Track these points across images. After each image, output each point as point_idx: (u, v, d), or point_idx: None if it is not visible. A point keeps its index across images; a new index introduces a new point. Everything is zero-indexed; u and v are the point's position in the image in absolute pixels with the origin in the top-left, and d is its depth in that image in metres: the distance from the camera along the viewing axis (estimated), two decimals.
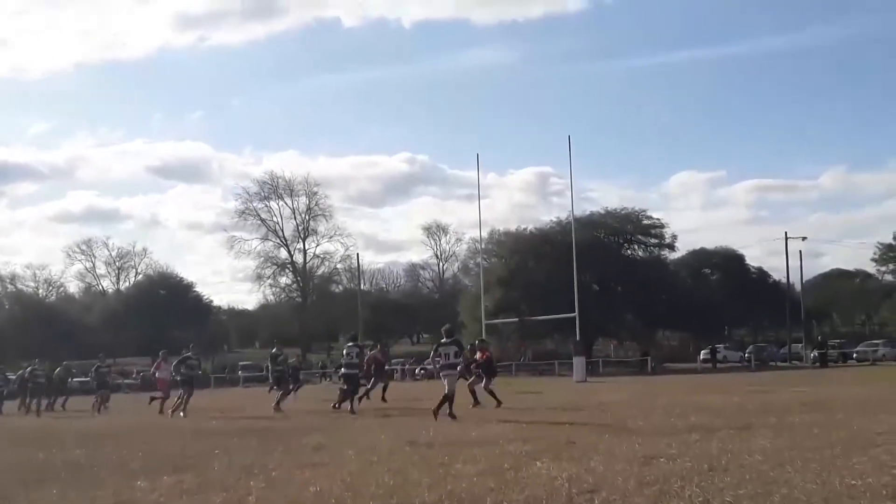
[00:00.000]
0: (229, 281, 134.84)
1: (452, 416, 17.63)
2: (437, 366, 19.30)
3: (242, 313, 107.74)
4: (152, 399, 26.69)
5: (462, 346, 19.96)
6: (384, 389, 25.77)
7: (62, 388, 32.70)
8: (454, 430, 14.89)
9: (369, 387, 24.78)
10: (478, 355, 23.41)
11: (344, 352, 23.32)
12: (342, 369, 23.33)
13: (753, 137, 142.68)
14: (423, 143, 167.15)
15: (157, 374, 27.30)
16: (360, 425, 17.36)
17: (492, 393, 21.97)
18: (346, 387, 22.58)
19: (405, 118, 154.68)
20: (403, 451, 12.13)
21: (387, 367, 28.32)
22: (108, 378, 31.24)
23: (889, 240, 51.85)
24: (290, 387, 26.38)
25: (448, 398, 17.93)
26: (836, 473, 8.44)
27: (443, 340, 18.98)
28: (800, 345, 69.48)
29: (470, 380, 22.44)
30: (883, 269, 58.70)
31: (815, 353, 58.08)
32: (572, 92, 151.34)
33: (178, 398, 24.13)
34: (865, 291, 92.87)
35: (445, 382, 18.28)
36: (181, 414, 23.36)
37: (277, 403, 24.03)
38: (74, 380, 36.00)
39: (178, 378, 24.70)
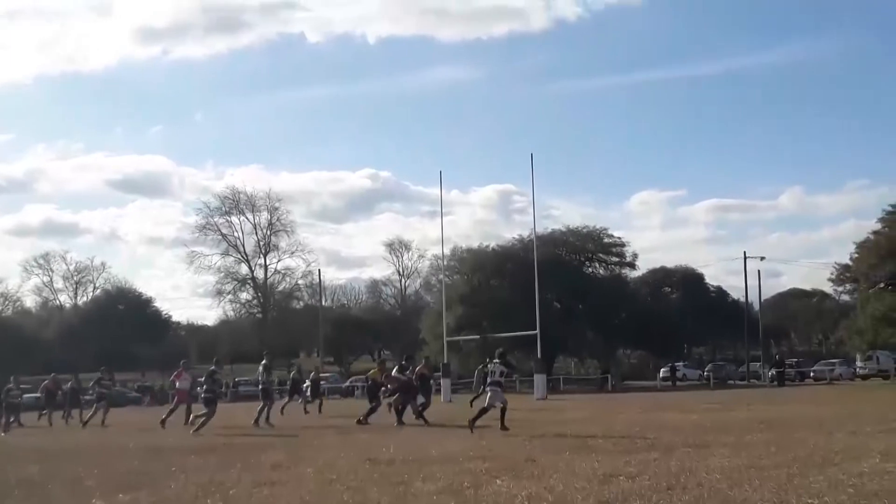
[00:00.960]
0: (189, 296, 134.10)
1: (505, 427, 18.21)
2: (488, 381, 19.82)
3: (202, 329, 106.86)
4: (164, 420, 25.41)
5: (512, 367, 21.40)
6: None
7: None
8: (414, 448, 14.83)
9: (425, 402, 24.31)
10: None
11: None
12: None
13: (714, 157, 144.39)
14: (387, 160, 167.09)
15: (177, 385, 26.76)
16: (319, 443, 17.24)
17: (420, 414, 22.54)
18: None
19: (369, 134, 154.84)
20: (363, 468, 12.06)
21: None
22: (109, 391, 30.50)
23: (846, 260, 52.49)
24: (295, 399, 25.93)
25: (483, 411, 18.82)
26: (794, 492, 8.52)
27: (495, 360, 19.87)
28: (758, 363, 70.12)
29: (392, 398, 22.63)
30: (839, 289, 59.57)
31: (773, 371, 58.59)
32: (536, 110, 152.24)
33: (198, 414, 23.38)
34: (822, 311, 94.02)
35: (488, 396, 19.20)
36: (195, 430, 22.36)
37: (257, 420, 23.87)
38: (25, 395, 35.20)
39: (204, 395, 23.66)
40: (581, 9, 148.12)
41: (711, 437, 15.21)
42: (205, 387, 23.84)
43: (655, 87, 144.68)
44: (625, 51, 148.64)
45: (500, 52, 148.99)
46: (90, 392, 31.14)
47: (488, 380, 19.73)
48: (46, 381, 33.65)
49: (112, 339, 79.43)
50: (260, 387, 25.33)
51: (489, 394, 19.25)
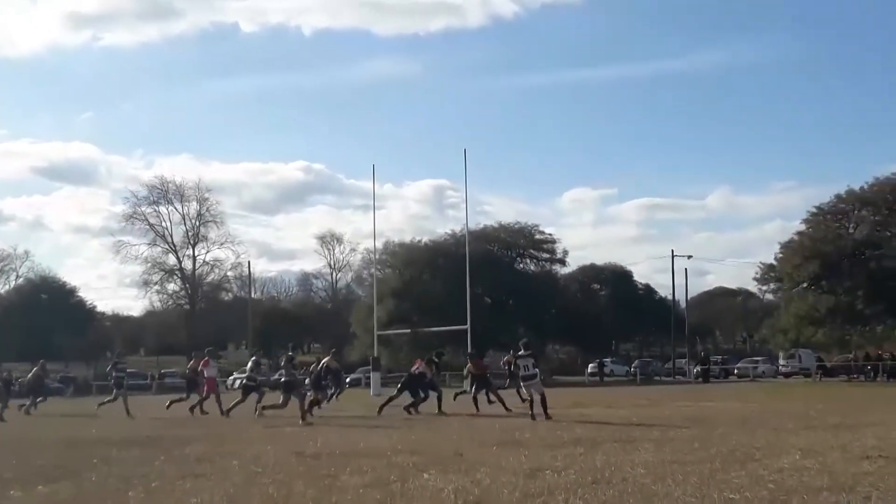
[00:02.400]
0: (115, 286, 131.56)
1: (548, 417, 19.06)
2: (521, 375, 20.48)
3: (128, 320, 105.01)
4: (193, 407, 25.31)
5: (537, 359, 21.61)
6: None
7: None
8: (342, 442, 14.75)
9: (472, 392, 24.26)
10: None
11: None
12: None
13: (645, 157, 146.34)
14: (320, 152, 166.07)
15: (206, 373, 26.21)
16: (246, 436, 17.04)
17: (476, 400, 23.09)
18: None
19: (302, 126, 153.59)
20: (289, 462, 11.95)
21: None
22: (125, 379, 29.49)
23: (771, 260, 53.61)
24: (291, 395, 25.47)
25: (543, 399, 19.52)
26: (715, 487, 8.65)
27: (520, 353, 20.63)
28: (684, 360, 71.23)
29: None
30: (764, 288, 60.91)
31: (698, 368, 59.58)
32: (471, 106, 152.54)
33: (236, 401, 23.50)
34: (747, 310, 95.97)
35: (532, 390, 19.89)
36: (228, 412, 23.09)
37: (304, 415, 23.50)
38: None
39: (245, 382, 24.71)
40: (518, 6, 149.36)
41: (637, 432, 15.40)
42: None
43: (589, 85, 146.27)
44: (560, 49, 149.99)
45: (437, 47, 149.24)
46: (108, 378, 30.11)
47: (522, 373, 20.27)
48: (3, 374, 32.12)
49: (35, 329, 77.46)
50: (283, 379, 24.94)
51: (532, 388, 19.91)
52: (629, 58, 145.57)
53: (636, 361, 75.16)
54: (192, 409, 24.99)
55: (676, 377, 64.72)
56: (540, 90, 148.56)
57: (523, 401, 21.46)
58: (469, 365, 25.83)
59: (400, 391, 23.99)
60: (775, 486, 8.69)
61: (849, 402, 26.06)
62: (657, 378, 64.77)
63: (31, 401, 29.60)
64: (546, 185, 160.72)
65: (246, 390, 24.32)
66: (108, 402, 27.03)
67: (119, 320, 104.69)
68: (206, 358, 26.53)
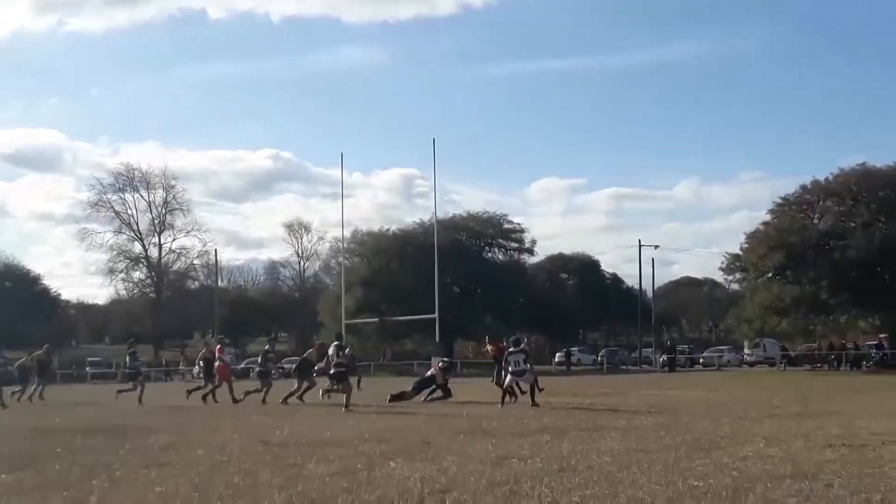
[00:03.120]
0: (80, 274, 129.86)
1: (535, 404, 19.74)
2: (511, 370, 20.84)
3: (92, 308, 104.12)
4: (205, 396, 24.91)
5: (529, 354, 22.04)
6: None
7: None
8: (309, 431, 14.70)
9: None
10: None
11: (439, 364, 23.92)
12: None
13: (614, 147, 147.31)
14: (289, 140, 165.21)
15: (221, 360, 25.86)
16: (211, 425, 16.94)
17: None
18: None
19: (271, 114, 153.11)
20: (255, 451, 11.89)
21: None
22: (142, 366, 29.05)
23: (736, 250, 54.01)
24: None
25: (533, 389, 20.57)
26: (680, 474, 8.71)
27: (511, 349, 21.07)
28: (650, 349, 71.71)
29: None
30: (729, 278, 61.22)
31: (664, 357, 60.05)
32: (440, 95, 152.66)
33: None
34: (712, 299, 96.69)
35: (521, 383, 20.85)
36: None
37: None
38: None
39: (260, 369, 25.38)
40: None
41: (603, 420, 15.48)
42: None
43: (559, 75, 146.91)
44: (530, 39, 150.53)
45: (406, 35, 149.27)
46: (128, 367, 29.70)
47: (512, 368, 20.66)
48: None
49: None
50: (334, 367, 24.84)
51: (521, 381, 20.79)
52: (598, 49, 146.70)
53: (603, 350, 75.63)
54: (204, 397, 24.59)
55: (643, 366, 65.14)
56: (510, 80, 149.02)
57: (522, 393, 21.47)
58: (489, 348, 25.83)
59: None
60: (739, 473, 8.76)
61: (812, 391, 26.33)
62: (624, 367, 65.13)
63: (40, 385, 29.20)
64: (515, 174, 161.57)
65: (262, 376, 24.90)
66: (128, 390, 26.48)
67: (84, 308, 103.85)
68: (219, 346, 26.42)
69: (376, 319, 60.39)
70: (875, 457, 9.86)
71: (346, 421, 16.84)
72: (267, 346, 27.27)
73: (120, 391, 27.24)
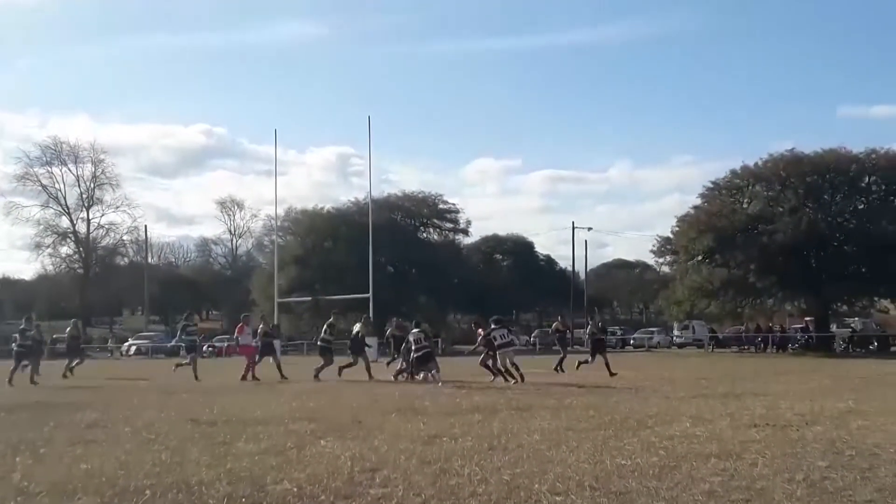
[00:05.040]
0: (7, 248, 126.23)
1: (521, 377, 21.26)
2: (497, 344, 21.89)
3: (18, 283, 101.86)
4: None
5: (510, 330, 23.75)
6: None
7: None
8: (238, 409, 14.56)
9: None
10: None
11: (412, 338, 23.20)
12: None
13: (549, 129, 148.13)
14: (222, 115, 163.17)
15: (240, 340, 25.62)
16: (139, 402, 16.69)
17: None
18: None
19: (204, 89, 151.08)
20: (184, 428, 11.75)
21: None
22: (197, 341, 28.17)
23: (668, 233, 54.68)
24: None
25: (507, 369, 21.69)
26: (608, 453, 8.81)
27: (493, 326, 22.19)
28: (582, 330, 72.32)
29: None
30: (660, 260, 61.86)
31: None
32: (376, 72, 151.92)
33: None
34: (644, 281, 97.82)
35: (507, 358, 21.86)
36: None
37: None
38: None
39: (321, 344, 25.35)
40: None
41: (534, 400, 15.60)
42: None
43: (495, 55, 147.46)
44: (467, 18, 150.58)
45: (343, 10, 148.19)
46: (178, 341, 28.76)
47: (498, 342, 21.82)
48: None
49: None
50: (319, 343, 25.31)
51: (506, 353, 21.91)
52: (534, 29, 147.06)
53: (536, 331, 76.14)
54: (242, 377, 23.97)
55: (574, 347, 65.63)
56: (446, 59, 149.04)
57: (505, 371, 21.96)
58: (480, 332, 25.10)
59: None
60: (666, 452, 8.88)
61: (738, 372, 26.86)
62: (555, 348, 65.52)
63: (71, 362, 28.24)
64: (451, 155, 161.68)
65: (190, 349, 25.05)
66: (185, 364, 25.67)
67: (9, 284, 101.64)
68: (241, 324, 26.07)
69: (310, 298, 60.09)
70: (798, 437, 10.08)
71: (276, 399, 16.71)
72: (185, 322, 26.89)
73: (178, 365, 26.45)
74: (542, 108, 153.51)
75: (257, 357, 24.86)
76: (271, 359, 25.29)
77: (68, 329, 30.52)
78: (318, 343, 25.32)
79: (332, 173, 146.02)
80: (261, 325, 26.27)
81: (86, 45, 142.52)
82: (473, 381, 21.54)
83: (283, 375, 24.12)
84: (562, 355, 26.97)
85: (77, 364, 28.41)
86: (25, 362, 25.54)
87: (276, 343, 27.43)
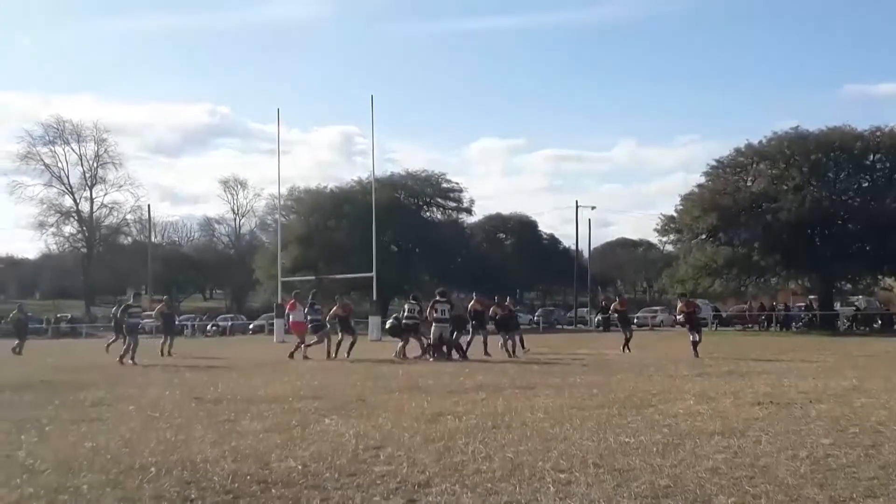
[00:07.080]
0: (11, 228, 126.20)
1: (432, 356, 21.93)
2: (432, 318, 22.53)
3: (22, 262, 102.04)
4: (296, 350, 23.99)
5: (454, 305, 24.08)
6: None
7: None
8: (243, 388, 14.61)
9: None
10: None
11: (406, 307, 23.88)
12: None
13: (553, 108, 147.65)
14: (226, 95, 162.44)
15: (291, 318, 25.69)
16: (144, 381, 16.73)
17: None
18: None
19: (208, 67, 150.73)
20: (189, 407, 11.79)
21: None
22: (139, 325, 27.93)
23: (671, 212, 54.54)
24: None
25: (432, 345, 22.31)
26: (612, 431, 8.83)
27: (437, 299, 22.75)
28: (585, 309, 72.38)
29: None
30: (664, 239, 61.66)
31: (599, 317, 60.63)
32: (380, 51, 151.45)
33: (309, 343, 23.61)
34: (647, 260, 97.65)
35: (434, 331, 22.32)
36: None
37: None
38: None
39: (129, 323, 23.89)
40: None
41: (538, 378, 15.63)
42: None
43: (500, 34, 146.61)
44: None
45: None
46: (115, 322, 28.55)
47: (434, 316, 22.43)
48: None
49: None
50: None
51: (438, 331, 22.28)
52: (539, 7, 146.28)
53: (539, 310, 76.11)
54: (291, 354, 23.73)
55: (578, 325, 65.76)
56: (450, 38, 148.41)
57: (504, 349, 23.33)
58: (496, 308, 25.57)
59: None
60: (669, 430, 8.91)
61: (742, 350, 26.89)
62: (559, 326, 65.67)
63: (167, 340, 27.85)
64: (455, 133, 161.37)
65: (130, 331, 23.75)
66: (313, 343, 24.43)
67: (13, 263, 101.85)
68: (292, 301, 25.99)
69: (313, 277, 60.00)
70: (802, 415, 10.09)
71: (281, 378, 16.74)
72: (130, 300, 26.22)
73: (307, 345, 25.09)
74: (547, 87, 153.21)
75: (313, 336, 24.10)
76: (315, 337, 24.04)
77: (161, 306, 30.21)
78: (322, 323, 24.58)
79: (335, 152, 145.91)
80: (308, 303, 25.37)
81: (89, 24, 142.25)
82: (476, 360, 21.56)
83: (330, 354, 23.41)
84: (627, 335, 26.66)
85: (168, 343, 27.79)
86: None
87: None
